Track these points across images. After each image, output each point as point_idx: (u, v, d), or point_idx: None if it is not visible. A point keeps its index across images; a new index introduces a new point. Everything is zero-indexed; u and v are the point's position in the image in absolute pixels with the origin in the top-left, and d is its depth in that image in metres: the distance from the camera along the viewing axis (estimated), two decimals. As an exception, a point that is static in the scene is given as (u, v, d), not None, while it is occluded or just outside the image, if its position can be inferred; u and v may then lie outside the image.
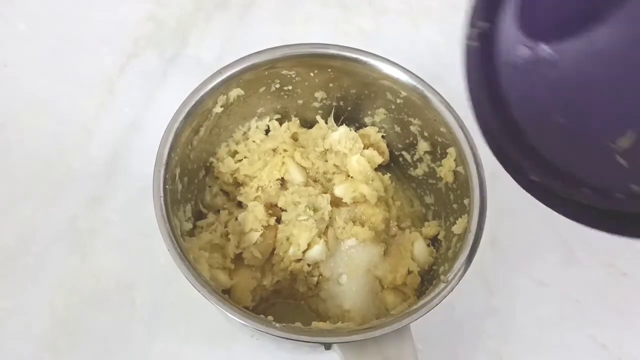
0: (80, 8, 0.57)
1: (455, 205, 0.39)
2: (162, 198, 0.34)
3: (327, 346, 0.31)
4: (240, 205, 0.43)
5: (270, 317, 0.32)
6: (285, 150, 0.43)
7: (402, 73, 0.39)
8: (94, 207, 0.47)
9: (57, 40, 0.55)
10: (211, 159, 0.43)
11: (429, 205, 0.44)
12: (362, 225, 0.41)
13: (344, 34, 0.59)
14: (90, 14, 0.57)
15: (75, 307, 0.44)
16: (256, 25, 0.58)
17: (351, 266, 0.40)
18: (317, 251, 0.39)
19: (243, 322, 0.30)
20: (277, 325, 0.30)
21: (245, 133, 0.44)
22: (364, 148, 0.43)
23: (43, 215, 0.46)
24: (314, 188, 0.42)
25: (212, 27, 0.57)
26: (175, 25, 0.57)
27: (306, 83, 0.42)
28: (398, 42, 0.59)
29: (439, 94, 0.39)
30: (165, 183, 0.35)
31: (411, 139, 0.43)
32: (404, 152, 0.45)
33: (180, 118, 0.37)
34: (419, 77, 0.39)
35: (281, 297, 0.42)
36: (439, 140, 0.40)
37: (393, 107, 0.42)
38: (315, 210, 0.40)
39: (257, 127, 0.44)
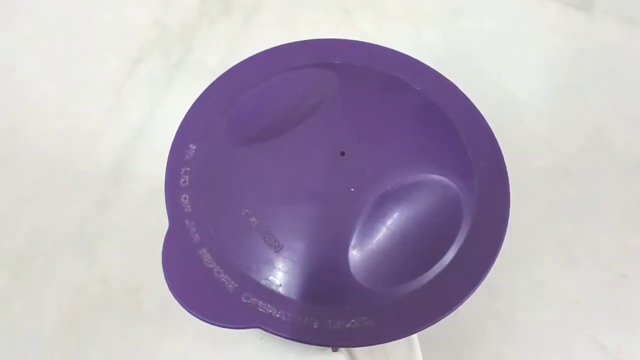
0: (86, 12, 0.57)
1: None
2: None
3: (335, 348, 0.32)
4: None
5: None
6: None
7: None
8: (102, 210, 0.48)
9: (63, 45, 0.55)
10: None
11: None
12: None
13: (347, 37, 0.60)
14: (95, 18, 0.57)
15: (83, 310, 0.44)
16: (260, 30, 0.59)
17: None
18: None
19: (251, 325, 0.31)
20: None
21: None
22: None
23: (51, 219, 0.47)
24: None
25: (217, 32, 0.58)
26: (180, 30, 0.58)
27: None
28: (399, 46, 0.59)
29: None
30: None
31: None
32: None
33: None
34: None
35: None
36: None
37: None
38: None
39: None
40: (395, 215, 0.31)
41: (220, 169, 0.34)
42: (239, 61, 0.57)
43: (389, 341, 0.30)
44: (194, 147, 0.35)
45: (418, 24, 0.61)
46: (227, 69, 0.56)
